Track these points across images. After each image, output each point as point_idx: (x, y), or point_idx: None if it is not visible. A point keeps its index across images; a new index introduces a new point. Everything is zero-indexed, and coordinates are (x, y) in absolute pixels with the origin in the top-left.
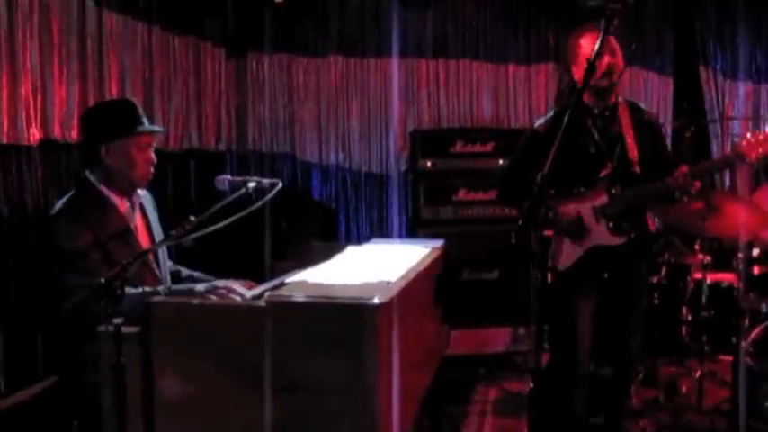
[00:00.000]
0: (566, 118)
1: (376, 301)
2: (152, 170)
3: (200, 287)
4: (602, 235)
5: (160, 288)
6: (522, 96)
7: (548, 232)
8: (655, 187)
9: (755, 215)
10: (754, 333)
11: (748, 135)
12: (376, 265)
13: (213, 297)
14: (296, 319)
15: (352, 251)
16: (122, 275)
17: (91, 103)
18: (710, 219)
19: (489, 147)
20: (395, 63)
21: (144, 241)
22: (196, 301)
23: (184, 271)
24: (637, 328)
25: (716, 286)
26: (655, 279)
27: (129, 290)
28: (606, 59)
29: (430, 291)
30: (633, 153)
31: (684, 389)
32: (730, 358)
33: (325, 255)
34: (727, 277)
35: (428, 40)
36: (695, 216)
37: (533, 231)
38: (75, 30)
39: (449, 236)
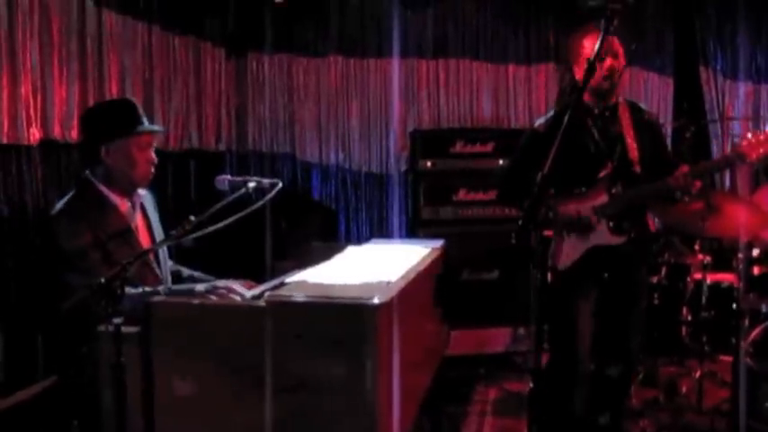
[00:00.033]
0: (566, 118)
1: (376, 301)
2: (153, 170)
3: (200, 287)
4: (602, 234)
5: (160, 288)
6: (522, 96)
7: (548, 232)
8: (655, 187)
9: (755, 215)
10: (753, 333)
11: (749, 135)
12: (376, 265)
13: (213, 297)
14: (296, 319)
15: (352, 251)
16: (122, 275)
17: (91, 103)
18: (710, 219)
19: (489, 147)
20: (395, 63)
21: (145, 241)
22: (196, 301)
23: (185, 271)
24: (637, 327)
25: (716, 286)
26: (655, 279)
27: (129, 290)
28: (608, 62)
29: (430, 291)
30: (633, 153)
31: (684, 389)
32: (730, 358)
33: (325, 255)
34: (727, 277)
35: (428, 40)
36: (695, 216)
37: (533, 231)
38: (76, 30)
39: (449, 236)
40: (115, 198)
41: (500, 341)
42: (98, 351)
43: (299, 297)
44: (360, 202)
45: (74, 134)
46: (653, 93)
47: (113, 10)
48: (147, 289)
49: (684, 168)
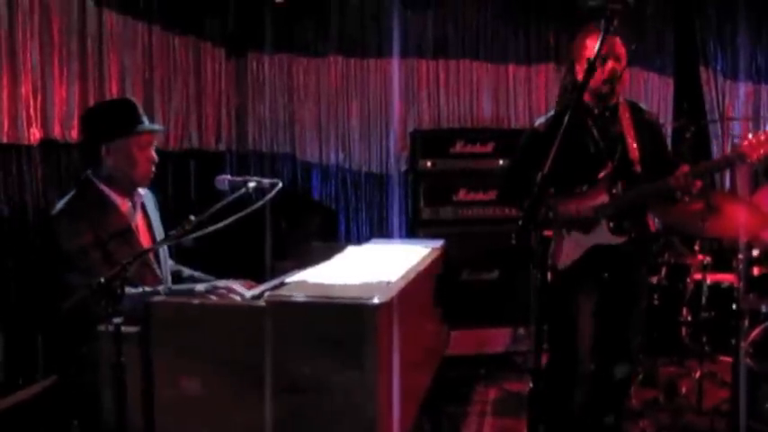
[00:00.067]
0: (566, 118)
1: (376, 301)
2: (153, 169)
3: (200, 287)
4: (602, 234)
5: (160, 288)
6: (522, 96)
7: (548, 232)
8: (656, 187)
9: (755, 216)
10: (753, 334)
11: (750, 135)
12: (376, 265)
13: (213, 297)
14: (296, 319)
15: (352, 251)
16: (122, 275)
17: (91, 102)
18: (710, 219)
19: (489, 147)
20: (395, 63)
21: (145, 241)
22: (196, 301)
23: (186, 271)
24: (637, 328)
25: (716, 287)
26: (655, 279)
27: (129, 290)
28: (610, 65)
29: (430, 291)
30: (634, 153)
31: (684, 389)
32: (730, 359)
33: (325, 255)
34: (727, 278)
35: (428, 40)
36: (695, 216)
37: (533, 231)
38: (76, 30)
39: (449, 236)
40: (116, 197)
41: (500, 341)
42: (98, 351)
43: (299, 297)
44: (360, 202)
45: (74, 134)
46: (653, 93)
47: (114, 10)
48: (147, 289)
49: (685, 168)
